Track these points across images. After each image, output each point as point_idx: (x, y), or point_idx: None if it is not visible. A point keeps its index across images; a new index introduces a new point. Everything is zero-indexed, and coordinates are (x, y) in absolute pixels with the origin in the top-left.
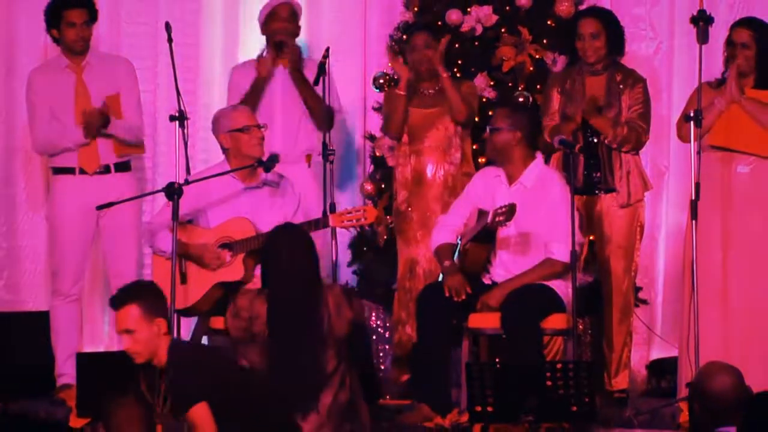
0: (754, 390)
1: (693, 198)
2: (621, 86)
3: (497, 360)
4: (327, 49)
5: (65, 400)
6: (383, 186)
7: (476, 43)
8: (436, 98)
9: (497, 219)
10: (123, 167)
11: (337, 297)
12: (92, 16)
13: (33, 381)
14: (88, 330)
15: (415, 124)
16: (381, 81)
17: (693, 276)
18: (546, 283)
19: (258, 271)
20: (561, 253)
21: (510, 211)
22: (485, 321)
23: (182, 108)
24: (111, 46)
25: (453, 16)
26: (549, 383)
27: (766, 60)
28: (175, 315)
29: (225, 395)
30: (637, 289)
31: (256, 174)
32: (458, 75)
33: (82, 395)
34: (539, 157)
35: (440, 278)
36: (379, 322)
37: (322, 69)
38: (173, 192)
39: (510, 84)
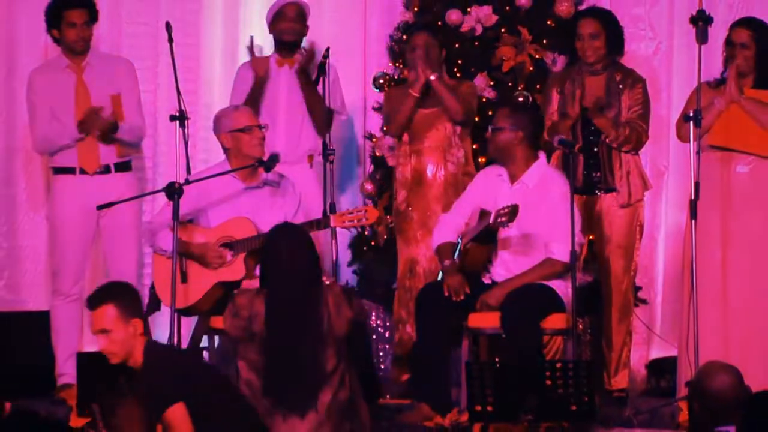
0: (753, 389)
1: (692, 198)
2: (620, 86)
3: (497, 359)
4: (327, 49)
5: (66, 400)
6: (383, 186)
7: (476, 43)
8: (435, 98)
9: (500, 220)
10: (123, 167)
11: (337, 296)
12: (93, 16)
13: (33, 381)
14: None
15: (415, 124)
16: (381, 81)
17: (692, 276)
18: (546, 282)
19: (258, 270)
20: (561, 252)
21: (512, 212)
22: (485, 320)
23: (183, 108)
24: (111, 46)
25: (453, 16)
26: (549, 383)
27: (766, 60)
28: (176, 314)
29: (200, 397)
30: (637, 289)
31: (257, 174)
32: (458, 75)
33: (83, 395)
34: (542, 157)
35: (440, 277)
36: (379, 322)
37: (322, 69)
38: (174, 192)
39: (510, 84)
